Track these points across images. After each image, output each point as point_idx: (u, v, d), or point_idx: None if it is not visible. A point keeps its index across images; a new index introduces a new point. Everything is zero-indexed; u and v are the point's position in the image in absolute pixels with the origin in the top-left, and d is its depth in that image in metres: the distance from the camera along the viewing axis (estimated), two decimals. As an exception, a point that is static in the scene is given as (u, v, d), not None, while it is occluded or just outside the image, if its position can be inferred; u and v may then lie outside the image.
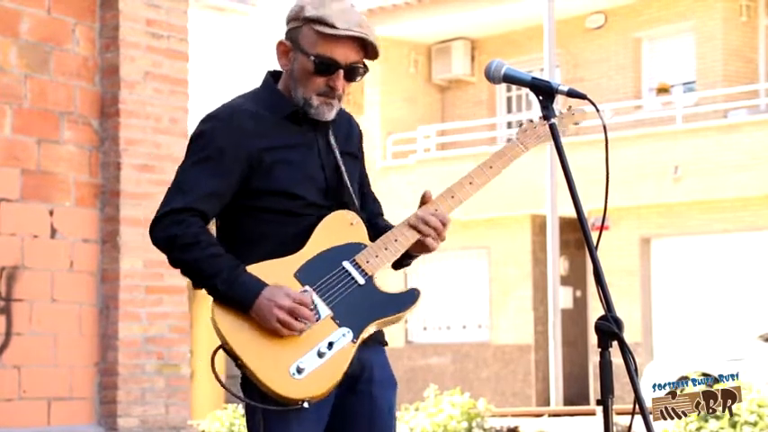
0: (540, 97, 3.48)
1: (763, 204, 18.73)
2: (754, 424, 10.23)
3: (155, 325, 7.88)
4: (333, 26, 3.45)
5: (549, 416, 13.24)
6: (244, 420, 10.86)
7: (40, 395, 7.46)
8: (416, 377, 21.85)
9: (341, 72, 3.49)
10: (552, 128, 3.46)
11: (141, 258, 7.80)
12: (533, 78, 3.50)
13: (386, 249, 3.50)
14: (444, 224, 3.55)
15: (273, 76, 3.63)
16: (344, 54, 3.48)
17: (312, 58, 3.48)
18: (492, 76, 3.56)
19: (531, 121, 3.76)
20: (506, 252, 21.24)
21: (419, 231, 3.51)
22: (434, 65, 23.46)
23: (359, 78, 3.55)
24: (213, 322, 3.39)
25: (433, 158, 21.85)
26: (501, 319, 21.37)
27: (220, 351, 3.43)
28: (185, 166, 3.50)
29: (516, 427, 12.46)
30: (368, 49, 3.52)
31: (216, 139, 3.46)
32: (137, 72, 7.91)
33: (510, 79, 3.55)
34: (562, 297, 18.92)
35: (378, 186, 20.26)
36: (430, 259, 22.37)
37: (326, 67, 3.48)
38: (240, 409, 12.67)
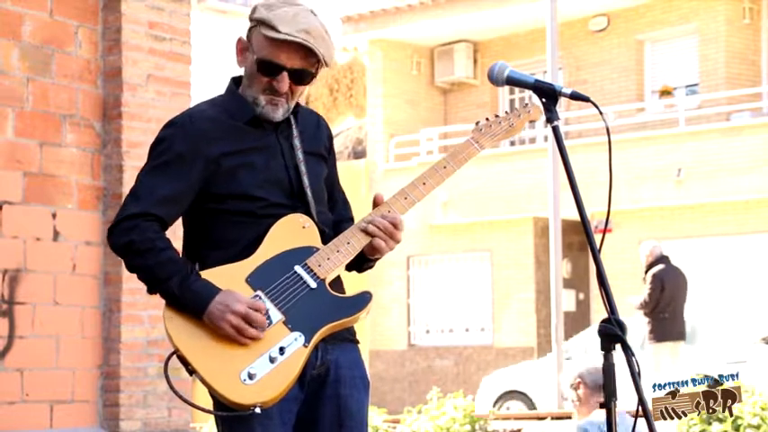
0: (544, 100, 3.48)
1: (765, 207, 18.72)
2: (757, 427, 10.21)
3: (157, 328, 7.87)
4: (275, 29, 3.44)
5: (552, 419, 13.21)
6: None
7: (42, 398, 7.45)
8: (419, 380, 21.83)
9: (284, 74, 3.49)
10: (555, 130, 3.46)
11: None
12: (536, 81, 3.50)
13: (338, 252, 3.49)
14: (395, 225, 3.52)
15: (236, 83, 3.64)
16: (288, 58, 3.47)
17: (256, 58, 3.49)
18: (495, 79, 3.56)
19: (488, 119, 3.75)
20: (509, 255, 21.22)
21: (369, 233, 3.51)
22: (437, 67, 23.45)
23: (307, 82, 3.54)
24: (165, 328, 3.41)
25: (436, 161, 21.79)
26: (503, 322, 21.35)
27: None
28: (143, 172, 3.53)
29: (519, 430, 12.44)
30: (318, 55, 3.49)
31: (174, 144, 3.49)
32: (139, 75, 7.90)
33: (513, 82, 3.55)
34: (565, 300, 18.89)
35: (380, 189, 20.23)
36: (432, 262, 22.37)
37: (269, 69, 3.48)
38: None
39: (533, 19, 20.87)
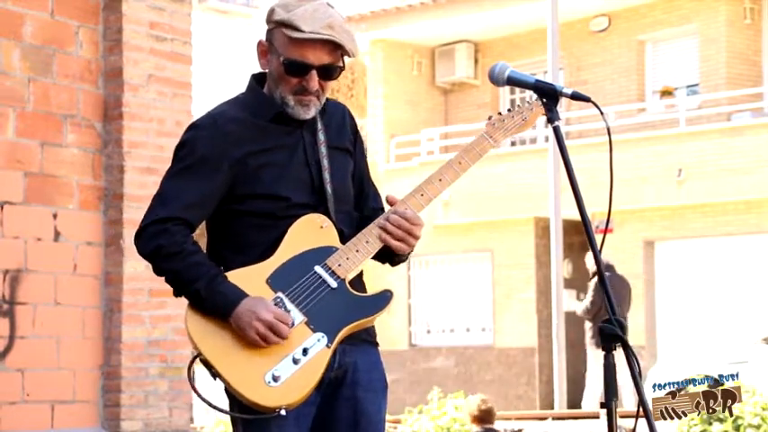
0: (544, 100, 3.48)
1: (766, 207, 18.71)
2: (758, 427, 10.21)
3: (158, 328, 7.88)
4: (299, 29, 3.43)
5: (553, 419, 13.21)
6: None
7: (43, 398, 7.45)
8: (420, 380, 21.83)
9: (313, 72, 3.48)
10: (556, 130, 3.46)
11: (144, 261, 7.78)
12: (537, 81, 3.50)
13: (357, 251, 3.48)
14: (410, 221, 3.51)
15: (257, 79, 3.62)
16: (315, 56, 3.47)
17: (282, 59, 3.48)
18: (496, 79, 3.56)
19: (500, 113, 3.73)
20: (510, 255, 21.22)
21: (386, 231, 3.50)
22: (438, 67, 23.45)
23: (335, 77, 3.54)
24: (187, 332, 3.40)
25: (437, 161, 21.79)
26: (505, 322, 21.35)
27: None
28: (168, 175, 3.53)
29: (520, 430, 12.44)
30: (343, 47, 3.49)
31: (198, 147, 3.48)
32: (140, 75, 7.90)
33: (514, 82, 3.55)
34: (566, 300, 18.90)
35: (381, 189, 20.17)
36: (433, 262, 22.37)
37: (297, 69, 3.47)
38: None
39: (534, 19, 20.86)
